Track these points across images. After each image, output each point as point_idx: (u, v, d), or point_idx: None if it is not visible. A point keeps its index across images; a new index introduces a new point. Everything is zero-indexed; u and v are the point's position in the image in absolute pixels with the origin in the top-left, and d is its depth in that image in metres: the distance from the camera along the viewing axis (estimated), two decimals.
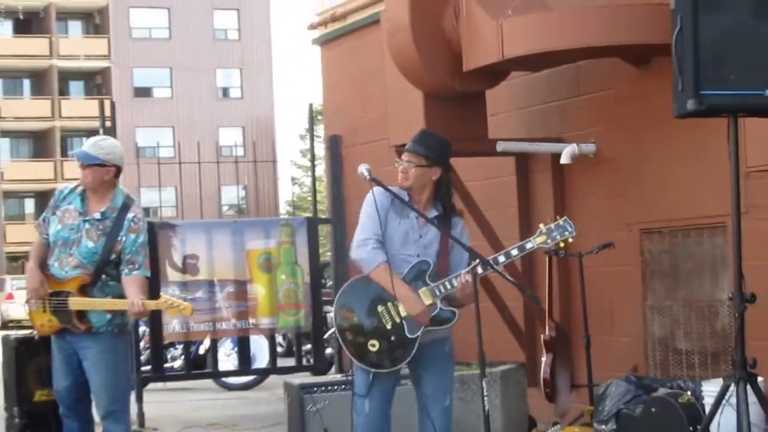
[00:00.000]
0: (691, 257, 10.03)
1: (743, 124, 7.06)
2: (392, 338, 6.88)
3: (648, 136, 10.05)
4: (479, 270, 6.70)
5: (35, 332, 8.61)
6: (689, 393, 8.43)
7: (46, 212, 8.43)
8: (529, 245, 6.91)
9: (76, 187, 8.36)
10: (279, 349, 14.18)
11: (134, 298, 7.95)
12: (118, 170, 8.41)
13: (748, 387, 6.85)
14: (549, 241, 6.86)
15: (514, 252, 6.92)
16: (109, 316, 8.16)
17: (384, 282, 6.83)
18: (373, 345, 6.91)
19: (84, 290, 8.08)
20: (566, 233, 6.84)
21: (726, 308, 9.27)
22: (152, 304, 8.92)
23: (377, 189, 7.00)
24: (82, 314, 8.07)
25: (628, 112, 10.30)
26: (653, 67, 9.82)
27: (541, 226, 6.90)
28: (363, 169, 6.93)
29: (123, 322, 8.39)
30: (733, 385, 6.86)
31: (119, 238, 8.10)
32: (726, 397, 6.98)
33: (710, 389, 8.00)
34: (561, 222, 6.87)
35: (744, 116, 6.98)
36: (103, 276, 8.15)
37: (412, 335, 6.84)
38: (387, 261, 6.83)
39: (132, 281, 8.04)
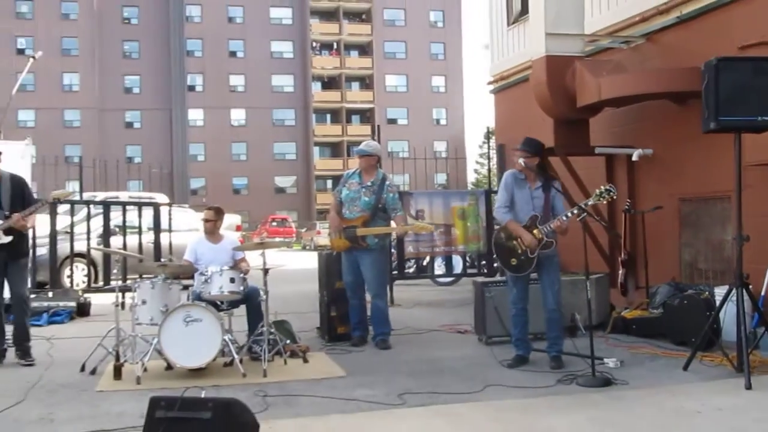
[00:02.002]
0: (709, 214, 9.67)
1: (744, 137, 6.79)
2: (522, 257, 7.04)
3: (685, 144, 9.72)
4: (569, 214, 6.84)
5: (333, 251, 8.74)
6: (707, 293, 8.16)
7: (340, 186, 8.73)
8: (589, 202, 6.88)
9: (355, 170, 8.59)
10: (468, 262, 14.14)
11: (400, 224, 8.53)
12: (378, 159, 8.64)
13: (744, 291, 6.64)
14: (600, 198, 6.76)
15: (583, 204, 6.84)
16: (377, 239, 8.38)
17: (512, 229, 7.06)
18: (513, 261, 7.12)
19: (365, 224, 8.29)
20: (610, 193, 6.75)
21: (729, 245, 8.92)
22: (409, 228, 9.28)
23: (508, 172, 7.33)
24: (363, 238, 8.27)
25: (672, 131, 9.96)
26: (688, 105, 9.47)
27: (596, 190, 6.82)
28: (521, 160, 7.01)
29: (384, 244, 8.63)
30: (734, 289, 6.65)
31: (383, 195, 8.32)
32: (729, 297, 6.78)
33: (720, 291, 7.71)
34: (608, 187, 6.80)
35: (744, 132, 6.73)
36: (375, 217, 8.35)
37: (532, 255, 6.99)
38: (512, 217, 7.08)
39: (398, 218, 8.52)
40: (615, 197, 6.90)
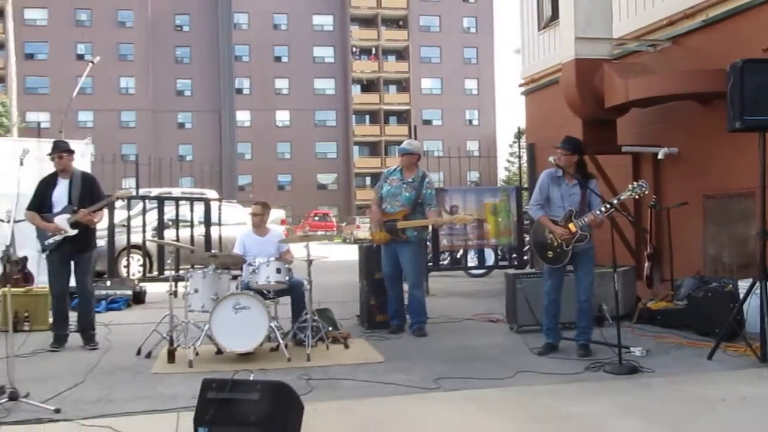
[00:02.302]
0: (732, 210, 9.53)
1: None
2: (558, 250, 6.95)
3: (709, 143, 9.60)
4: (603, 209, 6.74)
5: (374, 243, 8.72)
6: (731, 285, 8.02)
7: (380, 182, 8.69)
8: (623, 196, 6.73)
9: (396, 167, 8.57)
10: (499, 255, 14.08)
11: (435, 218, 8.52)
12: (419, 157, 8.58)
13: (767, 284, 6.52)
14: (633, 194, 6.58)
15: (615, 201, 6.76)
16: (416, 232, 8.37)
17: (543, 223, 7.03)
18: (549, 253, 7.03)
19: (405, 218, 8.27)
20: (642, 189, 6.58)
21: (753, 239, 8.78)
22: (448, 219, 9.21)
23: (544, 172, 7.21)
24: (403, 231, 8.26)
25: (697, 130, 9.85)
26: (713, 105, 9.35)
27: (629, 186, 6.67)
28: (552, 158, 6.97)
29: (422, 237, 8.60)
30: (758, 282, 6.54)
31: (423, 191, 8.29)
32: (753, 289, 6.66)
33: (743, 285, 7.58)
34: (640, 182, 6.64)
35: None
36: (414, 211, 8.33)
37: (567, 248, 6.90)
38: (544, 213, 7.03)
39: (432, 212, 8.43)
40: (647, 192, 6.82)
